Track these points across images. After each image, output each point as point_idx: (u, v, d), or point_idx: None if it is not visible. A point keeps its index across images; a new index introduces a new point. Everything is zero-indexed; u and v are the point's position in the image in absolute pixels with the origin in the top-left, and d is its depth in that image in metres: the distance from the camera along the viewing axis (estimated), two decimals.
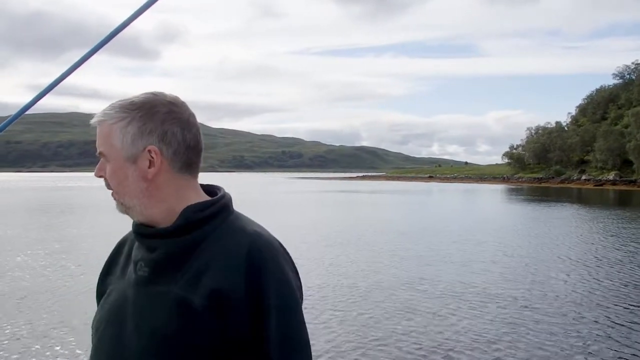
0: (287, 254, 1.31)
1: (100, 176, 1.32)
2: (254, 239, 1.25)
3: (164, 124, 1.28)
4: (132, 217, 1.32)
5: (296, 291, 1.26)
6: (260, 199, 48.36)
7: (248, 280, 1.19)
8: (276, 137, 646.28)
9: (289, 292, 1.23)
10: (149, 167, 1.28)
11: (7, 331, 8.01)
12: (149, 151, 1.27)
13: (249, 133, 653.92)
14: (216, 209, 1.30)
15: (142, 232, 1.30)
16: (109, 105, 1.30)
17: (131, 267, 1.30)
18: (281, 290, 1.21)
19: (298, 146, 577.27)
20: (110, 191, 1.31)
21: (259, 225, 1.32)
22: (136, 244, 1.32)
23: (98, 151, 1.29)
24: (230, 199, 1.36)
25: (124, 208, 1.31)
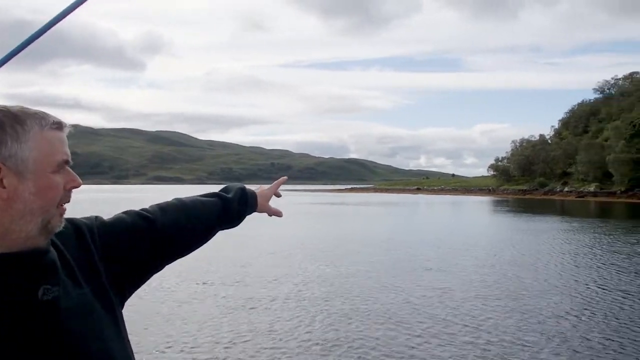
0: None
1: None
2: None
3: None
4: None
5: None
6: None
7: None
8: (265, 149, 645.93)
9: None
10: None
11: None
12: None
13: (237, 145, 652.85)
14: None
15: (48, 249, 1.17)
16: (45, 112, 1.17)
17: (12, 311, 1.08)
18: None
19: (287, 158, 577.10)
20: (63, 207, 1.18)
21: None
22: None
23: (69, 159, 1.17)
24: None
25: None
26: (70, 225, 1.28)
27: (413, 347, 8.28)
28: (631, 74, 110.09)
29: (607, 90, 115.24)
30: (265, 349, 8.24)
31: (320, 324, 9.63)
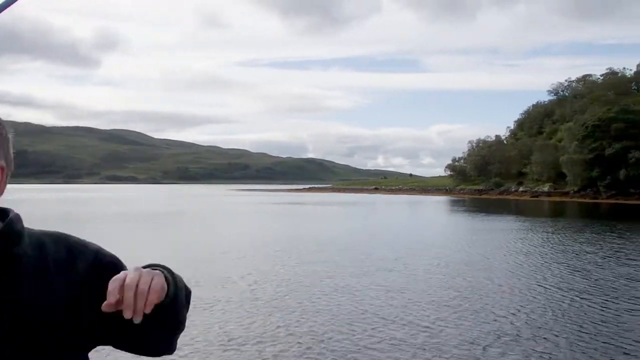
0: None
1: None
2: None
3: (8, 142, 1.26)
4: None
5: None
6: (199, 211, 48.22)
7: None
8: (222, 148, 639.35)
9: None
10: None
11: None
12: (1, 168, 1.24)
13: (193, 144, 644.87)
14: None
15: None
16: None
17: None
18: None
19: (245, 157, 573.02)
20: None
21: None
22: None
23: None
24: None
25: None
26: (83, 248, 1.30)
27: (359, 347, 8.28)
28: (584, 77, 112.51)
29: (561, 92, 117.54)
30: (211, 348, 8.22)
31: (267, 324, 9.52)
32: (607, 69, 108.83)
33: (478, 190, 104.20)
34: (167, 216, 40.47)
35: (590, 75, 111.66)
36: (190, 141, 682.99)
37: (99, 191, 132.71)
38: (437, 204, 68.76)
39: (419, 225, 34.45)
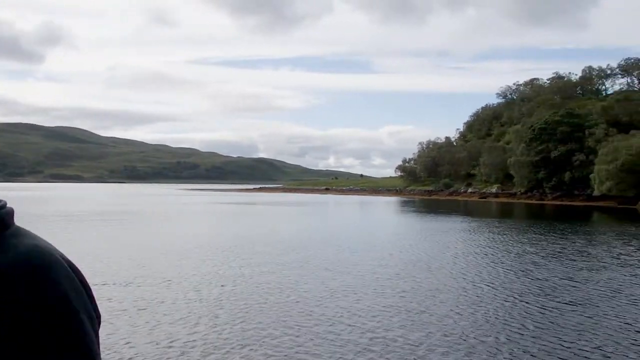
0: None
1: None
2: None
3: None
4: None
5: None
6: (147, 211, 46.83)
7: None
8: (171, 147, 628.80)
9: None
10: None
11: None
12: None
13: (142, 142, 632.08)
14: None
15: None
16: None
17: None
18: None
19: (194, 157, 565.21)
20: None
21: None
22: None
23: None
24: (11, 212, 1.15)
25: None
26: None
27: (296, 347, 8.19)
28: (532, 80, 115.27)
29: (509, 96, 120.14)
30: (148, 352, 8.03)
31: (206, 325, 9.34)
32: (553, 73, 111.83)
33: (428, 191, 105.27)
34: (113, 215, 38.98)
35: (537, 79, 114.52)
36: (138, 139, 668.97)
37: (43, 190, 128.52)
38: (387, 204, 68.91)
39: (369, 226, 34.17)
